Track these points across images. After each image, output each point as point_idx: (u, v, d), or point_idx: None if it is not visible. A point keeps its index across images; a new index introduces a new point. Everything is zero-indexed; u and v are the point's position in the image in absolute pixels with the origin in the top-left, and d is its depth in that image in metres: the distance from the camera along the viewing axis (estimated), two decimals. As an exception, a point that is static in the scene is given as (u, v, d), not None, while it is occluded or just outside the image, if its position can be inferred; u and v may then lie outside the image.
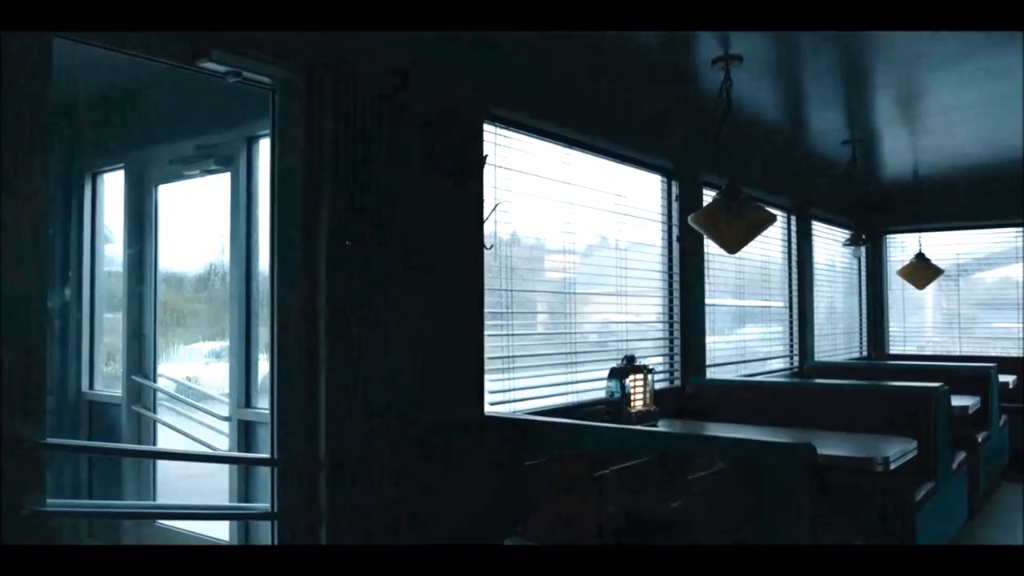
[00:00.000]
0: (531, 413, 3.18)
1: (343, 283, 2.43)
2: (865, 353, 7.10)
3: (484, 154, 2.89)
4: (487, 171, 3.01)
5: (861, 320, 7.13)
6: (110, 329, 4.30)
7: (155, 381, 4.00)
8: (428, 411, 2.64)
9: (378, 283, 2.52)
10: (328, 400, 2.40)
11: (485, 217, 2.89)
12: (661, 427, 3.55)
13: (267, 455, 2.41)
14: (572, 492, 2.27)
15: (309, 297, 2.41)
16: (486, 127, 3.01)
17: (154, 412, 3.97)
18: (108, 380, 4.27)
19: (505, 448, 2.74)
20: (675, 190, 4.29)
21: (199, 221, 3.97)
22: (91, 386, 4.31)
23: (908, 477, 3.21)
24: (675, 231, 4.29)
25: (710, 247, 4.50)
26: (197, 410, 3.77)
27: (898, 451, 2.84)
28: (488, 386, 3.00)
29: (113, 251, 4.32)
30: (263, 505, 2.40)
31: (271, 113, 2.44)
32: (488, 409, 2.93)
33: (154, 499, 3.94)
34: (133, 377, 4.01)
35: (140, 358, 4.05)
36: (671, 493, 2.09)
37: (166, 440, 3.92)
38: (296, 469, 2.38)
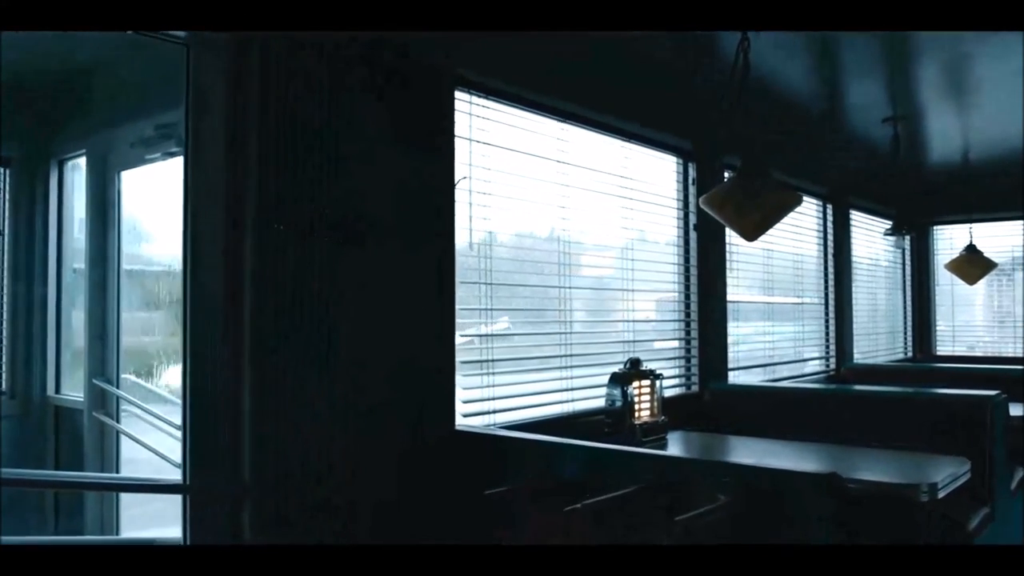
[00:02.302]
0: (515, 425, 2.76)
1: (274, 276, 2.04)
2: (910, 354, 6.56)
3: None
4: (461, 146, 2.60)
5: (906, 318, 6.59)
6: (79, 329, 3.98)
7: (118, 385, 3.66)
8: (381, 426, 2.23)
9: (320, 275, 2.12)
10: (254, 414, 2.00)
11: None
12: (671, 440, 3.11)
13: (178, 480, 2.02)
14: (538, 529, 1.86)
15: (231, 292, 2.02)
16: (458, 94, 2.60)
17: (117, 418, 3.64)
18: (76, 383, 3.96)
19: (476, 470, 2.32)
20: (692, 173, 3.84)
21: (163, 209, 3.63)
22: (58, 390, 4.00)
23: (959, 500, 2.73)
24: (692, 219, 3.84)
25: (732, 237, 4.05)
26: (157, 418, 3.42)
27: (948, 474, 2.38)
28: (462, 395, 2.59)
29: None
30: (175, 537, 2.01)
31: (185, 73, 2.06)
32: (460, 422, 2.51)
33: (117, 516, 3.59)
34: (94, 381, 3.68)
35: (103, 361, 3.72)
36: (657, 535, 1.66)
37: (129, 449, 3.60)
38: (214, 497, 2.00)
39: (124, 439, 3.62)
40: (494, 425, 2.69)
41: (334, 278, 2.13)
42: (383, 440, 2.23)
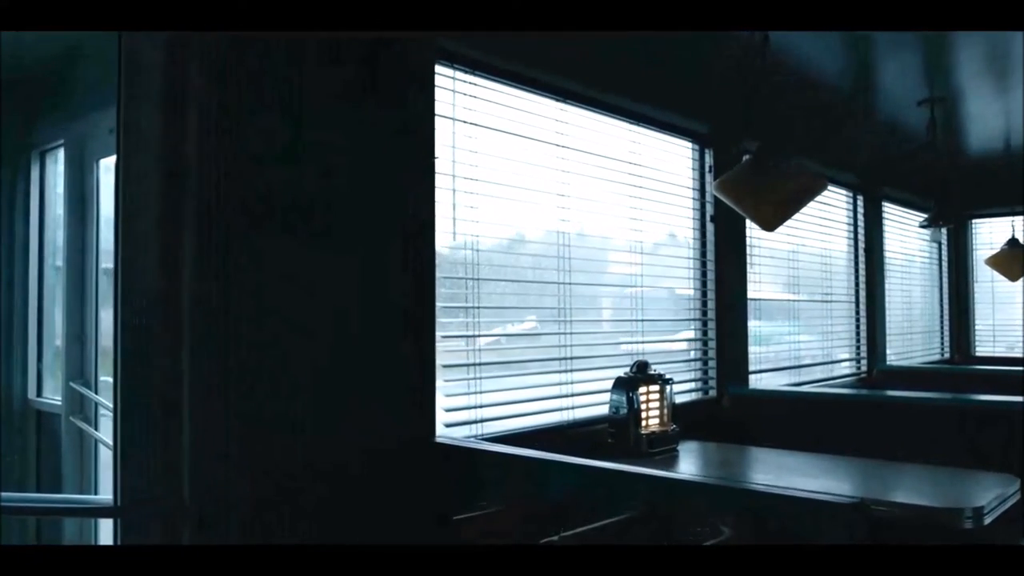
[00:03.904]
0: (505, 436, 2.50)
1: (220, 271, 1.80)
2: (947, 355, 6.20)
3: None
4: (443, 127, 2.35)
5: (943, 317, 6.23)
6: (61, 329, 3.80)
7: (96, 388, 3.46)
8: (345, 436, 1.99)
9: (278, 270, 1.88)
10: (195, 423, 1.76)
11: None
12: (683, 451, 2.83)
13: (109, 500, 1.79)
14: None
15: (169, 288, 1.78)
16: (440, 69, 2.34)
17: (95, 422, 3.43)
18: (58, 386, 3.77)
19: (454, 489, 2.06)
20: (709, 160, 3.55)
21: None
22: (39, 393, 3.81)
23: (1006, 521, 2.42)
24: (709, 210, 3.55)
25: (753, 229, 3.76)
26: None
27: (995, 496, 2.07)
28: (444, 402, 2.34)
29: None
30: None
31: (117, 47, 1.83)
32: (441, 432, 2.25)
33: (96, 525, 3.39)
34: (72, 384, 3.48)
35: (81, 363, 3.52)
36: None
37: (108, 455, 3.40)
38: (150, 519, 1.76)
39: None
40: (475, 437, 2.43)
41: (287, 272, 1.89)
42: (341, 455, 1.98)
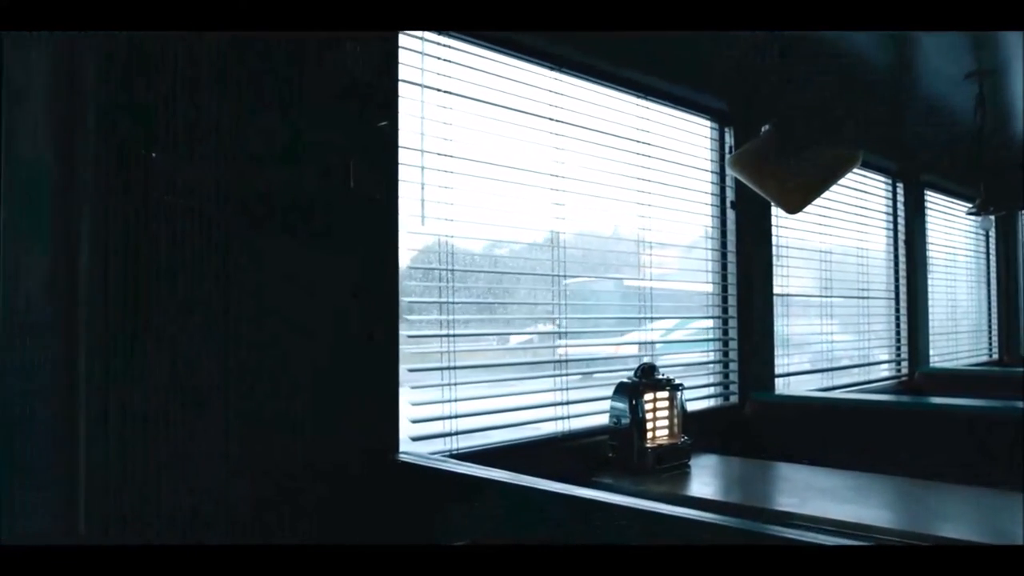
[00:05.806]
0: (485, 451, 2.18)
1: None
2: (996, 356, 5.76)
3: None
4: (411, 94, 2.05)
5: (991, 314, 5.79)
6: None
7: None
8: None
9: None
10: (90, 441, 1.49)
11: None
12: (696, 467, 2.50)
13: (-14, 532, 1.50)
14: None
15: (62, 280, 1.51)
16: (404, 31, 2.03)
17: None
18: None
19: (414, 518, 1.76)
20: (729, 140, 3.20)
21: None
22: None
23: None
24: (729, 195, 3.20)
25: (779, 216, 3.41)
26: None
27: (1064, 529, 1.71)
28: (410, 412, 2.03)
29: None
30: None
31: None
32: (405, 448, 1.95)
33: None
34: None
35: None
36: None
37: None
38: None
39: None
40: (444, 453, 2.11)
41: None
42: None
